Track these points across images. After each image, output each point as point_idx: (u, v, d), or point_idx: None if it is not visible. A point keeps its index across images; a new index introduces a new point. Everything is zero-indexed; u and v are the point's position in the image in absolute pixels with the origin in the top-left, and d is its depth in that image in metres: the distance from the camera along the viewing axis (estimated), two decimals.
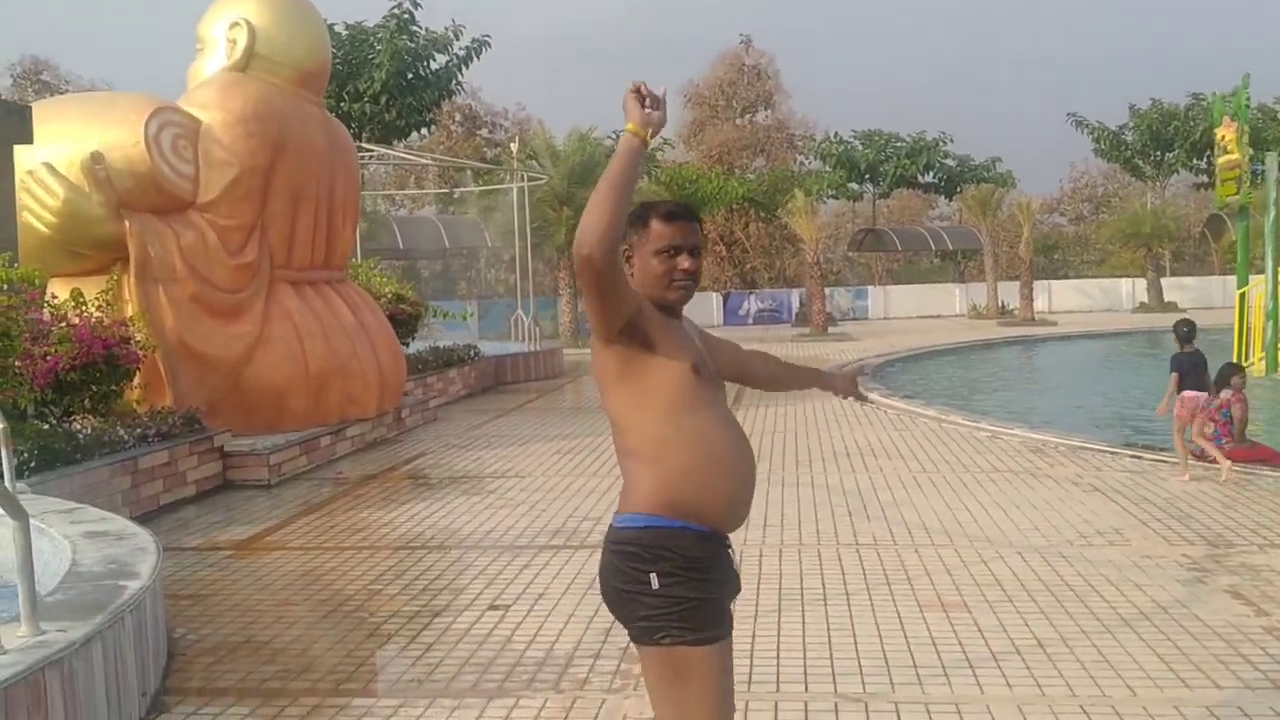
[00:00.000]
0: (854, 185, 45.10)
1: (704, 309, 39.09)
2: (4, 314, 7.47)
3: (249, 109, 10.69)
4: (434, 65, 32.55)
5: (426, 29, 32.29)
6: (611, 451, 11.15)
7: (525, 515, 8.20)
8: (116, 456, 8.22)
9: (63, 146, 10.01)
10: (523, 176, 22.13)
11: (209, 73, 11.23)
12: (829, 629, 5.43)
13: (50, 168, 9.91)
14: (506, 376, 18.46)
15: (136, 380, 9.86)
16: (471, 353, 17.36)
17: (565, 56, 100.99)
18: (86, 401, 8.90)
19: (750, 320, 39.79)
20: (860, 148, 43.99)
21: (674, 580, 2.70)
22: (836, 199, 47.10)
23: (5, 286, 7.87)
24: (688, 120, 60.44)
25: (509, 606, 5.93)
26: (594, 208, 2.57)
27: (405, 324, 15.76)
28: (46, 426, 8.30)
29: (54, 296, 9.34)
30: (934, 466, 9.88)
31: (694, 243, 2.86)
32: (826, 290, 41.20)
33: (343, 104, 31.50)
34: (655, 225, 2.82)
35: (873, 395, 15.63)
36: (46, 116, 10.24)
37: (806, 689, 4.68)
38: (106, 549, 5.27)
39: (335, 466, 10.61)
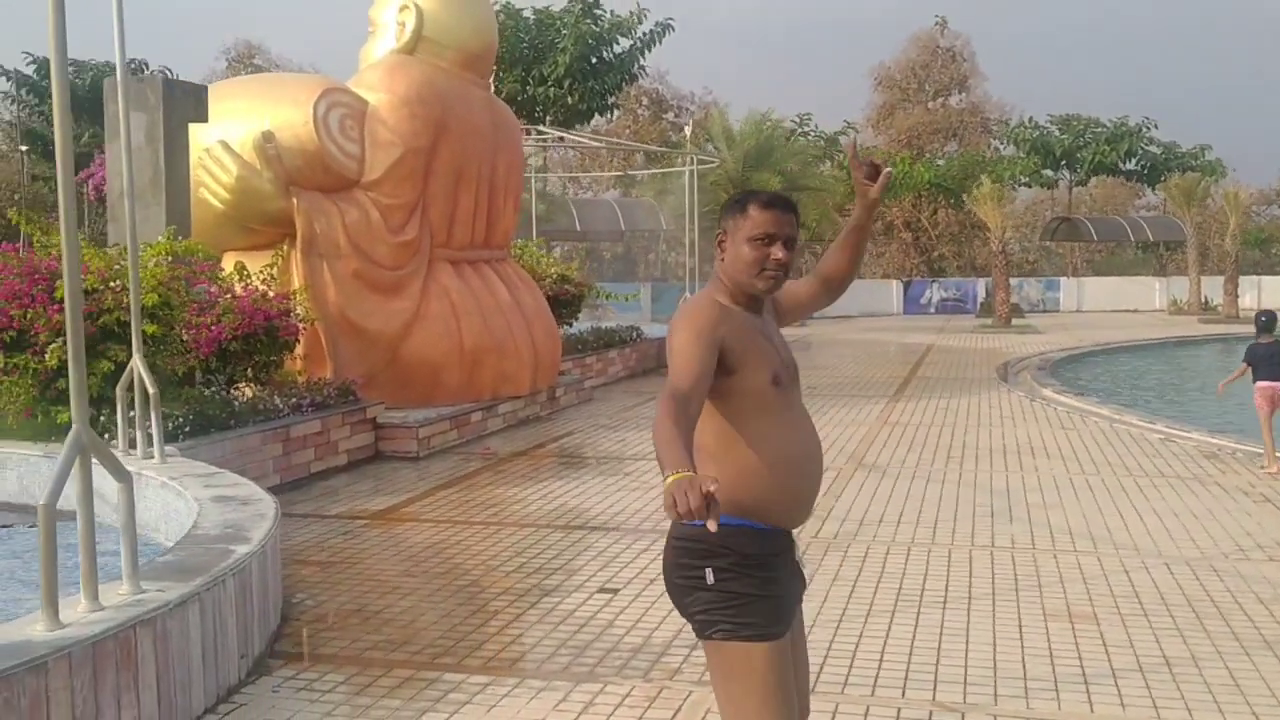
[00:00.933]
0: (1048, 172, 43.30)
1: (883, 297, 38.30)
2: (167, 285, 7.84)
3: (413, 91, 10.94)
4: (617, 49, 32.77)
5: (611, 12, 32.55)
6: None
7: (657, 498, 8.16)
8: (270, 424, 8.55)
9: (238, 125, 10.46)
10: (692, 159, 22.03)
11: (379, 55, 11.55)
12: (941, 634, 5.20)
13: (225, 145, 10.37)
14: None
15: (299, 351, 10.26)
16: (634, 334, 17.42)
17: (754, 38, 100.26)
18: (249, 370, 9.29)
19: (932, 309, 38.74)
20: (1056, 133, 42.18)
21: (729, 576, 2.69)
22: (1029, 186, 45.31)
23: (170, 259, 8.26)
24: (877, 104, 59.32)
25: (618, 590, 5.90)
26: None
27: (569, 304, 15.93)
28: (208, 392, 8.72)
29: (222, 269, 9.77)
30: (1094, 468, 9.39)
31: (789, 234, 2.82)
32: (1015, 281, 39.79)
33: (527, 88, 32.11)
34: (752, 211, 2.79)
35: (1045, 391, 15.01)
36: (224, 95, 10.72)
37: (903, 694, 4.49)
38: (228, 513, 5.47)
39: (484, 442, 10.79)
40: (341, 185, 10.65)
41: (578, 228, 31.71)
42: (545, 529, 7.31)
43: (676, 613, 5.34)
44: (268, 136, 10.34)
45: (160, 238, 8.46)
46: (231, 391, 9.22)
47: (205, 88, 10.18)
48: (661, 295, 30.42)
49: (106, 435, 7.24)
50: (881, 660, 4.86)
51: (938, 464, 9.61)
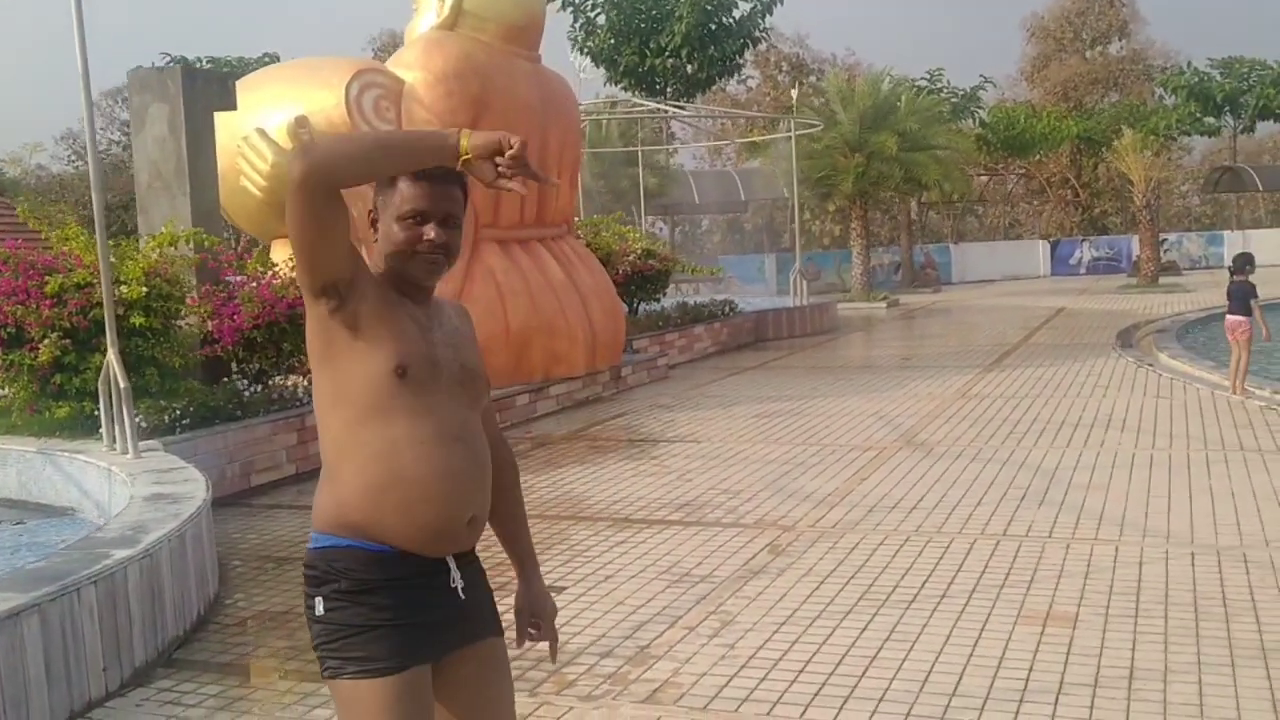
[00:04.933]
0: (1210, 120, 40.54)
1: (1029, 258, 36.58)
2: (163, 276, 7.78)
3: (450, 67, 10.69)
4: (737, 14, 32.05)
5: None
6: (805, 415, 10.39)
7: (665, 485, 7.73)
8: (283, 414, 8.43)
9: (274, 112, 10.42)
10: (791, 124, 21.28)
11: (422, 32, 11.34)
12: (886, 641, 4.65)
13: (262, 133, 10.34)
14: (768, 333, 17.85)
15: None
16: (725, 308, 16.89)
17: None
18: (277, 360, 9.20)
19: (1083, 270, 36.80)
20: (1218, 78, 39.44)
21: (338, 605, 2.28)
22: (1189, 135, 42.52)
23: (168, 248, 8.18)
24: (1030, 55, 56.84)
25: (565, 589, 5.51)
26: (346, 141, 2.34)
27: (654, 280, 15.53)
28: (235, 384, 8.67)
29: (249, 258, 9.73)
30: (1168, 442, 8.53)
31: (447, 210, 2.38)
32: (1174, 236, 37.54)
33: (645, 59, 31.69)
34: (402, 185, 2.37)
35: (1161, 356, 13.90)
36: (262, 82, 10.71)
37: (804, 714, 3.99)
38: (147, 513, 5.31)
39: (533, 426, 10.52)
40: None
41: (696, 200, 31.18)
42: (532, 520, 6.92)
43: (608, 617, 5.00)
44: (300, 121, 10.25)
45: (162, 229, 8.39)
46: (267, 383, 9.17)
47: (231, 76, 10.13)
48: (786, 266, 29.66)
49: (100, 430, 7.22)
50: (801, 672, 4.36)
51: (994, 441, 8.88)
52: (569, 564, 5.95)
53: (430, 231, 2.35)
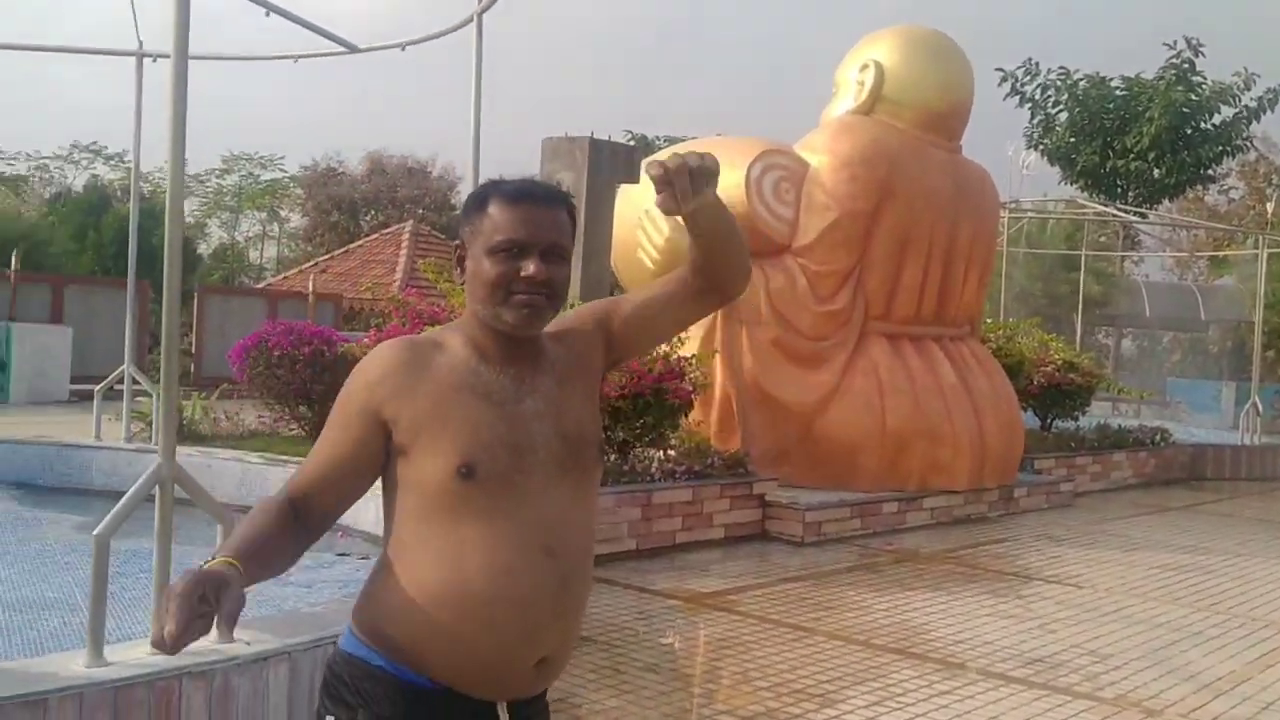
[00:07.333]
0: None
1: None
2: None
3: (856, 152, 10.31)
4: (1218, 119, 29.41)
5: (1213, 80, 29.29)
6: (1220, 574, 9.07)
7: (1021, 632, 6.77)
8: (630, 488, 8.29)
9: None
10: (1261, 240, 18.89)
11: (836, 115, 11.07)
12: None
13: None
14: (1206, 471, 15.77)
15: (713, 419, 10.03)
16: (1156, 436, 15.10)
17: None
18: (638, 431, 9.13)
19: None
20: None
21: None
22: None
23: None
24: None
25: None
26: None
27: (1073, 395, 14.22)
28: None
29: None
30: None
31: (551, 239, 1.94)
32: None
33: (1108, 160, 29.75)
34: (493, 210, 1.94)
35: None
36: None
37: None
38: None
39: (898, 538, 9.75)
40: (770, 249, 10.24)
41: (1147, 313, 28.61)
42: (855, 645, 6.29)
43: None
44: None
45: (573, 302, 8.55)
46: (628, 454, 9.14)
47: (636, 149, 10.33)
48: (1246, 397, 26.42)
49: None
50: None
51: None
52: (875, 707, 5.25)
53: (530, 266, 1.90)
